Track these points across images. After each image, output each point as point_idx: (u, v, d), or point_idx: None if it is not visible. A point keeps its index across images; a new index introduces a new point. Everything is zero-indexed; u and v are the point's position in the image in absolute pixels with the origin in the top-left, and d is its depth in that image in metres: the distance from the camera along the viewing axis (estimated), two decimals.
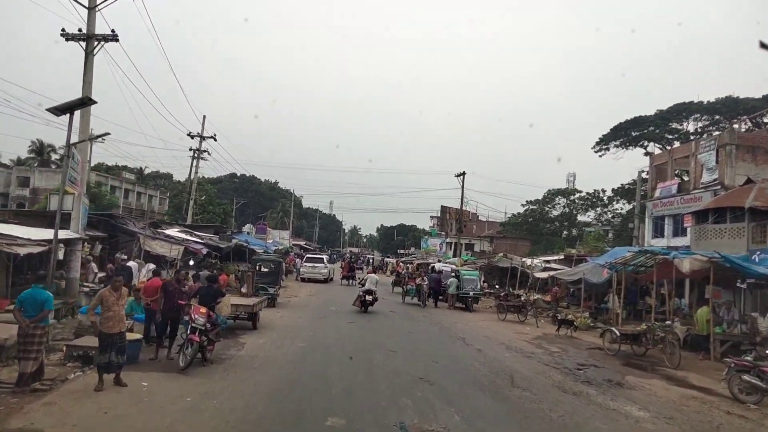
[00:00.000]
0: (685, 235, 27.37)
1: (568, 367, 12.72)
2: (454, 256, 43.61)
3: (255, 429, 6.62)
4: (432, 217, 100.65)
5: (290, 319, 17.37)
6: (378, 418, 7.40)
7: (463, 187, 43.20)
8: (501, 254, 45.40)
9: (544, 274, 24.56)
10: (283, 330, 15.12)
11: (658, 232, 30.28)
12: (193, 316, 9.89)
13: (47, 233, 14.50)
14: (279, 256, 32.83)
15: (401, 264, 41.47)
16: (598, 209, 55.32)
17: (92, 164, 66.36)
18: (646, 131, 44.31)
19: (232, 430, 6.53)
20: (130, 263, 17.96)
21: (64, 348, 9.96)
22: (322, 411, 7.50)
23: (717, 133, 34.19)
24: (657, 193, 30.33)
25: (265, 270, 20.56)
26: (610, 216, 55.40)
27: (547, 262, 33.54)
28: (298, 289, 29.32)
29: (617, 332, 15.00)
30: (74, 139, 14.85)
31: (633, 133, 44.80)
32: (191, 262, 21.24)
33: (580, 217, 57.01)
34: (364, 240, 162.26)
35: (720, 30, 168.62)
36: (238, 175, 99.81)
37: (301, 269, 34.41)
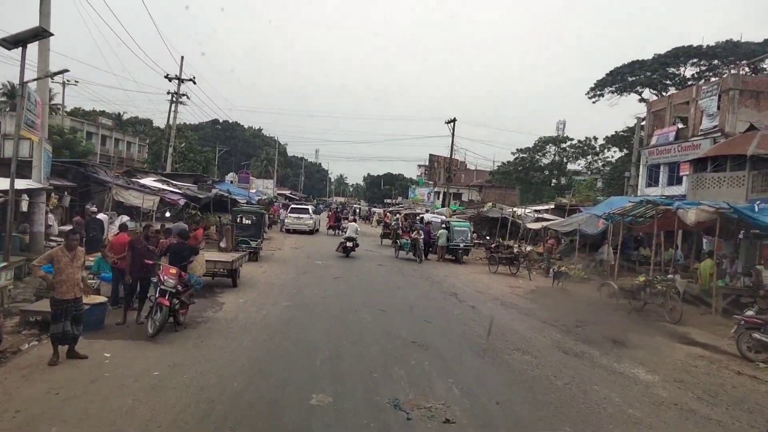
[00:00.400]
0: (681, 184, 26.73)
1: (567, 325, 12.11)
2: (443, 206, 42.96)
3: (228, 411, 5.80)
4: (420, 166, 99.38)
5: (273, 274, 16.53)
6: (369, 394, 6.63)
7: (453, 134, 41.98)
8: (491, 204, 44.87)
9: (537, 225, 23.86)
10: (265, 287, 14.29)
11: (653, 180, 29.61)
12: (162, 277, 8.94)
13: (5, 183, 13.26)
14: (262, 206, 31.78)
15: (389, 214, 40.66)
16: (589, 157, 54.51)
17: (68, 109, 63.84)
18: (643, 76, 42.91)
19: (201, 414, 5.70)
20: (101, 215, 16.84)
21: (20, 313, 9.01)
22: (307, 386, 6.71)
23: (715, 78, 33.08)
24: (653, 141, 29.45)
25: (247, 222, 19.55)
26: (600, 164, 54.75)
27: (538, 212, 32.92)
28: (282, 241, 28.44)
29: (615, 286, 14.41)
30: (31, 76, 13.43)
31: (630, 78, 43.37)
32: (167, 214, 20.12)
33: (571, 166, 56.29)
34: (351, 189, 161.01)
35: None
36: (221, 121, 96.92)
37: (286, 220, 33.44)
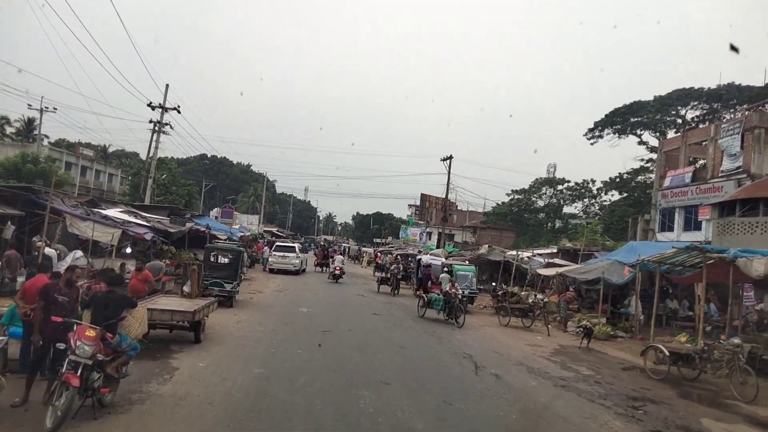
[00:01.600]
0: (699, 229, 24.47)
1: (619, 404, 9.33)
2: (438, 246, 40.32)
3: None
4: (410, 206, 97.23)
5: (248, 325, 13.62)
6: None
7: (449, 172, 39.83)
8: (489, 246, 42.32)
9: (550, 271, 21.24)
10: (235, 344, 11.38)
11: (666, 224, 27.37)
12: (73, 342, 6.13)
13: None
14: (243, 244, 28.95)
15: (380, 255, 37.90)
16: (586, 200, 52.62)
17: (51, 139, 61.17)
18: (645, 117, 41.42)
19: None
20: (48, 250, 13.95)
21: None
22: None
23: (728, 117, 31.44)
24: (667, 182, 27.33)
25: (222, 261, 16.75)
26: (597, 208, 52.84)
27: (541, 255, 30.42)
28: (265, 282, 25.49)
29: (666, 351, 11.73)
30: None
31: (632, 119, 41.87)
32: (128, 250, 17.25)
33: (566, 209, 54.27)
34: (339, 228, 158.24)
35: (703, 25, 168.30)
36: (209, 156, 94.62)
37: (270, 259, 30.53)
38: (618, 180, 44.65)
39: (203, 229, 24.34)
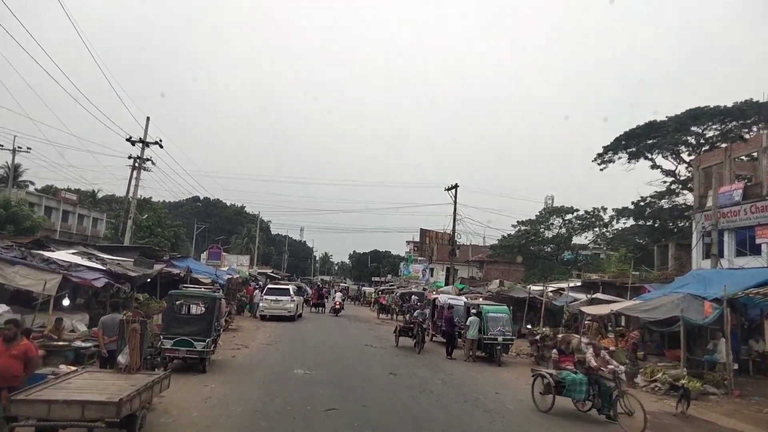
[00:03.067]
0: (759, 254, 20.66)
1: None
2: (447, 283, 36.26)
3: None
4: (408, 242, 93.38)
5: (221, 404, 9.44)
6: None
7: (455, 201, 36.11)
8: (500, 282, 38.29)
9: (599, 309, 17.13)
10: None
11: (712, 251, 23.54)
12: None
13: None
14: (228, 287, 24.82)
15: (384, 296, 33.75)
16: (597, 230, 48.91)
17: (39, 186, 57.30)
18: (660, 139, 38.16)
19: None
20: None
21: None
22: None
23: (748, 136, 28.11)
24: (709, 202, 23.66)
25: (195, 312, 12.68)
26: (608, 237, 49.09)
27: (569, 290, 26.44)
28: (253, 332, 21.22)
29: None
30: None
31: (648, 141, 38.60)
32: (65, 302, 13.12)
33: (575, 239, 50.51)
34: (336, 268, 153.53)
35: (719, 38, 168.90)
36: (201, 198, 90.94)
37: (261, 304, 26.28)
38: (637, 206, 40.94)
39: (178, 272, 20.25)
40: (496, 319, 16.42)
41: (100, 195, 73.37)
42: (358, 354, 16.76)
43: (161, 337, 11.93)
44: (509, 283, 37.16)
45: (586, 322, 20.71)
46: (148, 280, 17.45)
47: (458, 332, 17.47)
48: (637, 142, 40.22)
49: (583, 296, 21.85)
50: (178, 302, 12.35)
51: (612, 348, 15.06)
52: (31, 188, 53.48)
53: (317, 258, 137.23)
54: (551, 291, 26.77)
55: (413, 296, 38.26)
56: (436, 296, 21.35)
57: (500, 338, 16.10)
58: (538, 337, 17.26)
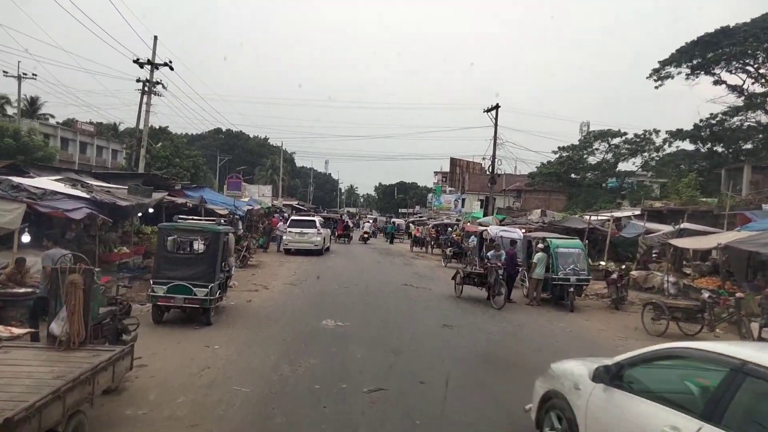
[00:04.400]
0: None
1: None
2: (485, 214, 32.95)
3: None
4: (436, 173, 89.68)
5: (219, 379, 6.58)
6: None
7: (496, 125, 32.05)
8: (542, 211, 34.86)
9: (694, 243, 13.68)
10: None
11: None
12: None
13: None
14: (250, 218, 22.06)
15: (418, 228, 30.72)
16: (646, 154, 44.24)
17: (60, 120, 54.72)
18: (731, 49, 32.80)
19: None
20: None
21: None
22: None
23: None
24: None
25: (192, 251, 9.78)
26: (652, 163, 44.35)
27: (633, 218, 23.01)
28: (276, 268, 18.54)
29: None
30: None
31: (718, 50, 33.27)
32: (24, 237, 10.20)
33: (621, 165, 46.07)
34: (362, 200, 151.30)
35: None
36: (224, 130, 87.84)
37: (284, 237, 23.54)
38: (697, 126, 36.12)
39: (186, 202, 17.40)
40: (568, 255, 13.17)
41: (122, 128, 70.63)
42: (398, 297, 13.86)
43: (152, 283, 9.10)
44: (561, 214, 33.74)
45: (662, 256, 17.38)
46: (150, 210, 14.62)
47: (516, 270, 14.33)
48: (703, 52, 34.90)
49: (656, 227, 18.38)
50: (170, 238, 9.37)
51: (712, 287, 11.80)
52: (52, 121, 51.08)
53: (343, 190, 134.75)
54: (607, 220, 23.37)
55: (447, 228, 35.24)
56: (484, 228, 18.17)
57: (573, 278, 12.91)
58: (615, 275, 14.04)
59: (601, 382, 3.92)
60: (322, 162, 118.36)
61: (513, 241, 14.94)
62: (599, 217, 24.52)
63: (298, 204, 68.30)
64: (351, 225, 40.44)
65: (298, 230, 23.06)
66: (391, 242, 36.32)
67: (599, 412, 3.86)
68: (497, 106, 31.80)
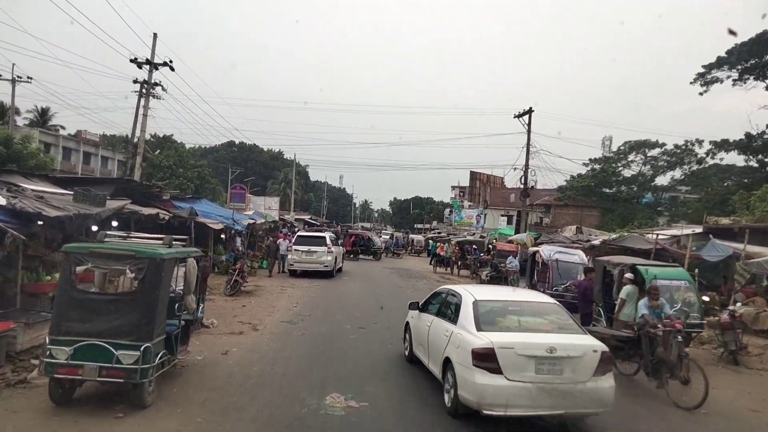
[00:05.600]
0: None
1: None
2: (517, 231, 29.07)
3: None
4: (454, 188, 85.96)
5: None
6: None
7: (529, 131, 28.32)
8: (577, 228, 30.96)
9: None
10: None
11: None
12: None
13: None
14: (251, 233, 18.58)
15: (442, 246, 26.88)
16: (686, 167, 40.11)
17: (72, 131, 52.14)
18: None
19: None
20: None
21: None
22: None
23: None
24: None
25: (119, 292, 6.14)
26: (687, 176, 40.04)
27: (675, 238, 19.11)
28: (275, 295, 14.86)
29: None
30: None
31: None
32: None
33: (659, 179, 42.03)
34: (376, 215, 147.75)
35: None
36: (237, 143, 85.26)
37: (289, 256, 19.92)
38: (749, 137, 32.09)
39: (163, 212, 13.90)
40: (670, 290, 9.32)
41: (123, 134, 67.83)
42: None
43: (47, 342, 5.52)
44: (598, 231, 29.84)
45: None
46: (114, 224, 11.08)
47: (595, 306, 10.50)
48: (759, 53, 31.03)
49: (755, 249, 14.44)
50: (80, 268, 5.75)
51: None
52: (63, 132, 48.56)
53: (357, 205, 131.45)
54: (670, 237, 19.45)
55: (473, 246, 31.40)
56: (539, 250, 14.32)
57: (681, 317, 9.03)
58: (726, 315, 10.15)
59: (415, 310, 8.29)
60: (336, 176, 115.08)
61: (588, 269, 11.07)
62: (653, 236, 20.61)
63: (310, 218, 64.88)
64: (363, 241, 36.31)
65: (305, 248, 19.40)
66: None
67: (414, 322, 8.29)
68: (530, 111, 28.11)
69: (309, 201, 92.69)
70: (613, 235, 19.14)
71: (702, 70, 34.42)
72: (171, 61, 25.84)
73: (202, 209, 20.55)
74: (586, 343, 5.83)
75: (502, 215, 52.25)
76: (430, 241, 32.74)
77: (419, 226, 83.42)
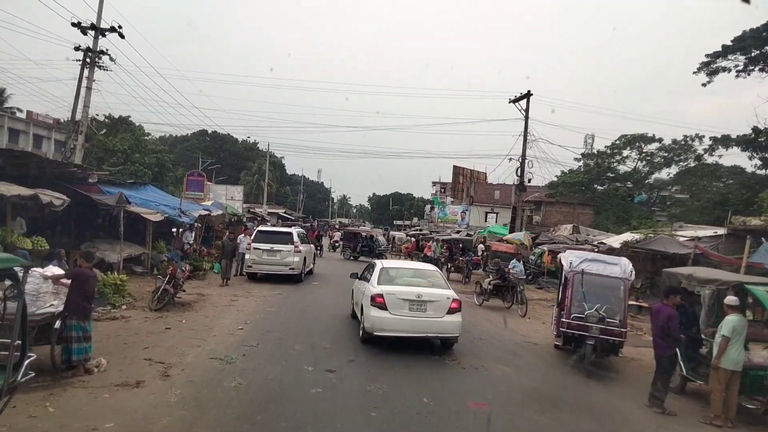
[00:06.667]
0: None
1: None
2: (512, 229, 25.78)
3: None
4: (435, 183, 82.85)
5: None
6: None
7: (527, 116, 25.04)
8: (574, 227, 27.91)
9: None
10: None
11: None
12: None
13: None
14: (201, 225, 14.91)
15: (429, 245, 23.29)
16: (684, 163, 37.46)
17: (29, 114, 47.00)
18: None
19: None
20: None
21: None
22: None
23: None
24: None
25: None
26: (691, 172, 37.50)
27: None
28: (220, 309, 11.15)
29: None
30: None
31: None
32: None
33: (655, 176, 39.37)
34: (355, 211, 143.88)
35: None
36: (210, 132, 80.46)
37: (247, 255, 16.14)
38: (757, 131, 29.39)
39: (54, 196, 10.11)
40: None
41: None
42: (447, 415, 6.61)
43: None
44: (595, 231, 26.86)
45: None
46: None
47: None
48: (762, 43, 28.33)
49: None
50: None
51: None
52: (19, 115, 43.54)
53: (335, 200, 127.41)
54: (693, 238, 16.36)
55: (460, 244, 28.03)
56: (556, 250, 10.91)
57: None
58: None
59: (355, 279, 10.50)
60: (315, 170, 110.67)
61: (671, 290, 7.52)
62: (681, 238, 17.53)
63: (284, 212, 60.85)
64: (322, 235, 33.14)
65: (267, 246, 15.65)
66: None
67: (354, 286, 10.51)
68: (528, 94, 24.82)
69: (285, 195, 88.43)
70: (635, 235, 15.90)
71: (706, 59, 31.76)
72: (120, 27, 21.87)
73: (145, 197, 16.73)
74: (444, 293, 8.71)
75: (486, 212, 49.21)
76: (411, 238, 29.12)
77: (399, 222, 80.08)
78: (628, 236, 16.92)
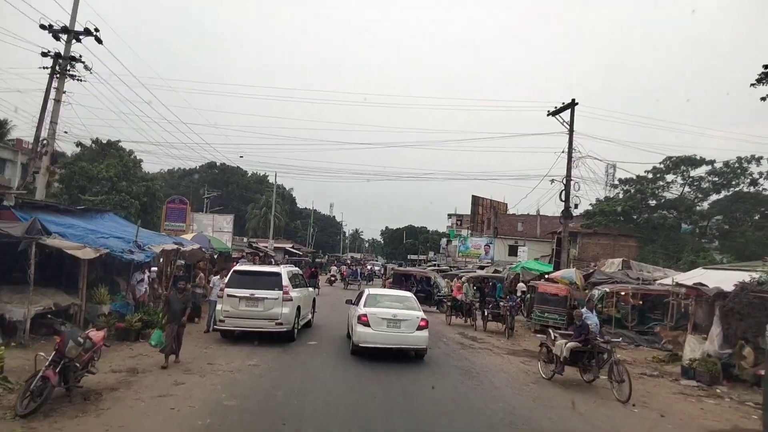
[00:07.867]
0: None
1: None
2: (557, 267, 21.01)
3: None
4: (450, 215, 78.52)
5: None
6: None
7: (571, 129, 20.73)
8: (624, 261, 23.24)
9: None
10: None
11: None
12: None
13: None
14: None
15: (459, 285, 18.57)
16: (736, 188, 32.75)
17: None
18: None
19: None
20: None
21: None
22: None
23: None
24: None
25: None
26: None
27: None
28: (148, 404, 6.69)
29: None
30: None
31: None
32: None
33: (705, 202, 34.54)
34: (367, 245, 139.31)
35: None
36: (218, 164, 77.27)
37: (219, 306, 11.66)
38: None
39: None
40: None
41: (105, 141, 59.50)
42: None
43: None
44: (652, 266, 22.14)
45: None
46: None
47: None
48: None
49: None
50: None
51: None
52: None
53: (347, 234, 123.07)
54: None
55: (490, 282, 23.30)
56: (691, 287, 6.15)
57: None
58: None
59: (350, 304, 12.61)
60: (327, 204, 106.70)
61: None
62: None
63: (292, 247, 56.47)
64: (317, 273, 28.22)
65: (246, 293, 11.15)
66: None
67: (349, 312, 12.38)
68: (573, 104, 20.58)
69: (296, 229, 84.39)
70: (755, 274, 11.23)
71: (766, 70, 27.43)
72: (97, 30, 18.11)
73: (92, 227, 12.50)
74: (415, 314, 10.88)
75: (509, 245, 44.46)
76: (437, 277, 24.27)
77: (413, 256, 75.31)
78: (734, 275, 12.24)
